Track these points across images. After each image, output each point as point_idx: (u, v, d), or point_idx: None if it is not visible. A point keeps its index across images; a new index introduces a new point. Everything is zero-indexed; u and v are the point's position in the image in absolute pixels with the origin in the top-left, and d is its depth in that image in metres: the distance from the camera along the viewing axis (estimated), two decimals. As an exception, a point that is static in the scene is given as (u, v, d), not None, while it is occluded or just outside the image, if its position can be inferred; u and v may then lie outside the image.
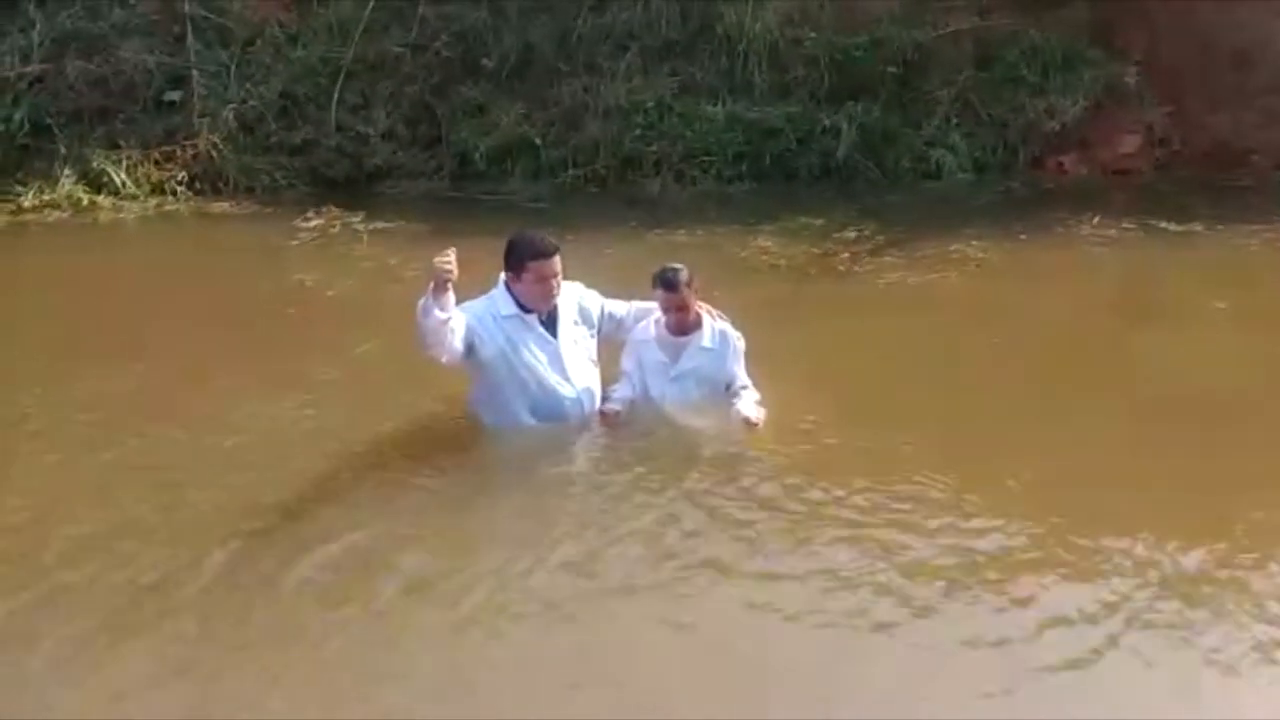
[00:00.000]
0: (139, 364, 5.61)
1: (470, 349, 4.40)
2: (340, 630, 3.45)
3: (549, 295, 4.47)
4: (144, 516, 4.09)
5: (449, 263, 4.09)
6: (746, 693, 3.18)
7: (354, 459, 4.50)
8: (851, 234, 7.97)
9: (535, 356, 4.51)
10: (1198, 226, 8.05)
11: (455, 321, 4.28)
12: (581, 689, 3.20)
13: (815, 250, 7.66)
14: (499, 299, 4.52)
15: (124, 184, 9.21)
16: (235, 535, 3.93)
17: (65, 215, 8.93)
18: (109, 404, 5.12)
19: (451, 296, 4.19)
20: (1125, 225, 8.15)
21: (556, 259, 4.43)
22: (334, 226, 8.48)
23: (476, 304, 4.49)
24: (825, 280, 7.13)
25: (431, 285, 4.13)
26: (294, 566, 3.76)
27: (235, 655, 3.34)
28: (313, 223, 8.52)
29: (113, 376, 5.42)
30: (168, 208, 9.17)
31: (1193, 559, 3.75)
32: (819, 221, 8.26)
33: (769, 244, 7.79)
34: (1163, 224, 8.12)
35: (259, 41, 10.07)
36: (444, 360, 4.35)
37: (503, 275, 4.53)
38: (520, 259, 4.44)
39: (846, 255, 7.56)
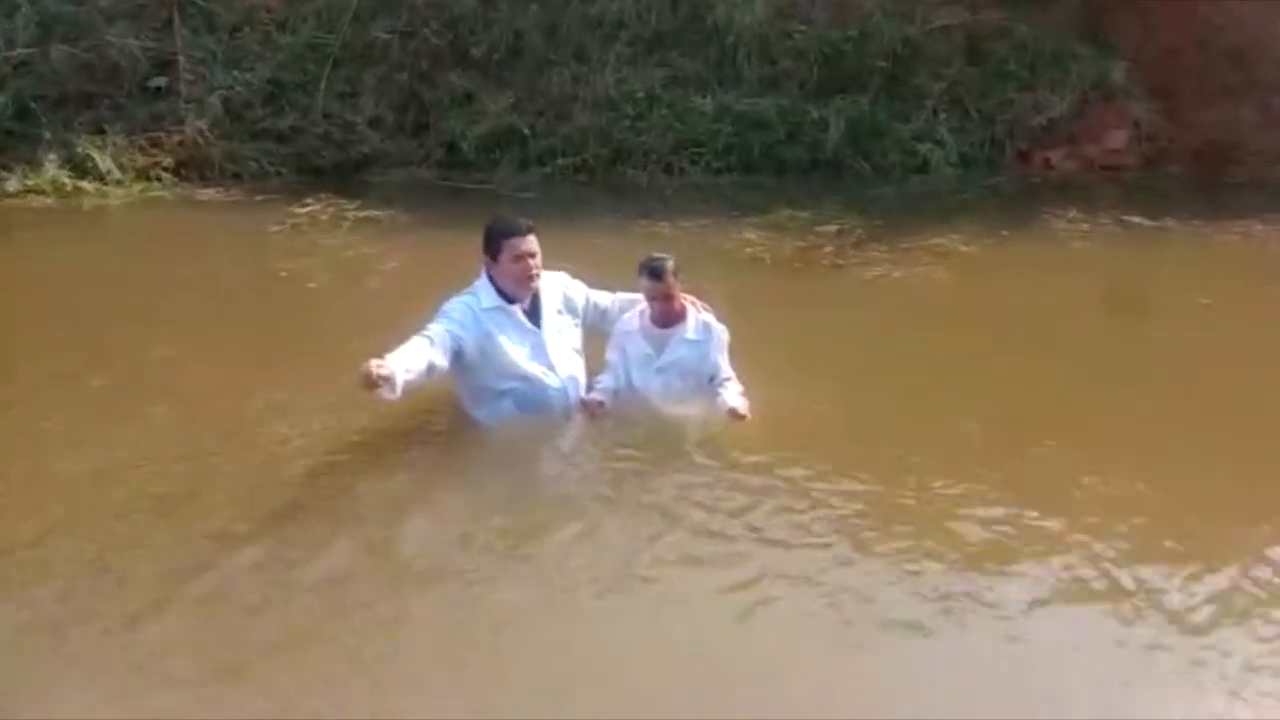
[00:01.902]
0: (123, 353, 5.59)
1: (457, 355, 4.40)
2: (347, 633, 3.45)
3: (527, 275, 4.46)
4: (140, 514, 4.06)
5: (376, 382, 3.97)
6: (740, 691, 3.18)
7: (341, 457, 4.46)
8: (837, 227, 7.98)
9: (519, 347, 4.50)
10: (1183, 223, 8.11)
11: (437, 349, 4.26)
12: (578, 688, 3.20)
13: (800, 243, 7.66)
14: (481, 291, 4.51)
15: (109, 170, 9.15)
16: (232, 537, 3.90)
17: (50, 201, 8.86)
18: (93, 394, 5.10)
19: (398, 376, 4.04)
20: (1110, 221, 8.19)
21: (531, 237, 4.44)
22: (324, 214, 8.45)
23: (457, 304, 4.47)
24: (809, 273, 7.14)
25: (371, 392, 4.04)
26: (287, 568, 3.75)
27: (244, 657, 3.33)
28: (305, 209, 8.49)
29: (97, 365, 5.39)
30: (153, 194, 9.11)
31: (1195, 552, 3.79)
32: (805, 214, 8.26)
33: (754, 236, 7.79)
34: (1148, 220, 8.17)
35: (246, 28, 10.01)
36: (434, 378, 4.36)
37: (484, 268, 4.53)
38: (496, 239, 4.46)
39: (831, 249, 7.57)
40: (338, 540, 3.89)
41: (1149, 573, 3.67)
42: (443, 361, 4.31)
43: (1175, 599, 3.55)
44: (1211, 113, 9.74)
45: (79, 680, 3.23)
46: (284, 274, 7.03)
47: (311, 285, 6.84)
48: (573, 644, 3.40)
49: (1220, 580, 3.63)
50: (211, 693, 3.17)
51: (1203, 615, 3.47)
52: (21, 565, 3.77)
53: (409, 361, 4.13)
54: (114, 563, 3.77)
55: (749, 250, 7.53)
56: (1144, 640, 3.36)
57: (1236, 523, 4.00)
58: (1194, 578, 3.65)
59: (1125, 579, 3.64)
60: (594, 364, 4.77)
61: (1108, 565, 3.71)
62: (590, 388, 4.68)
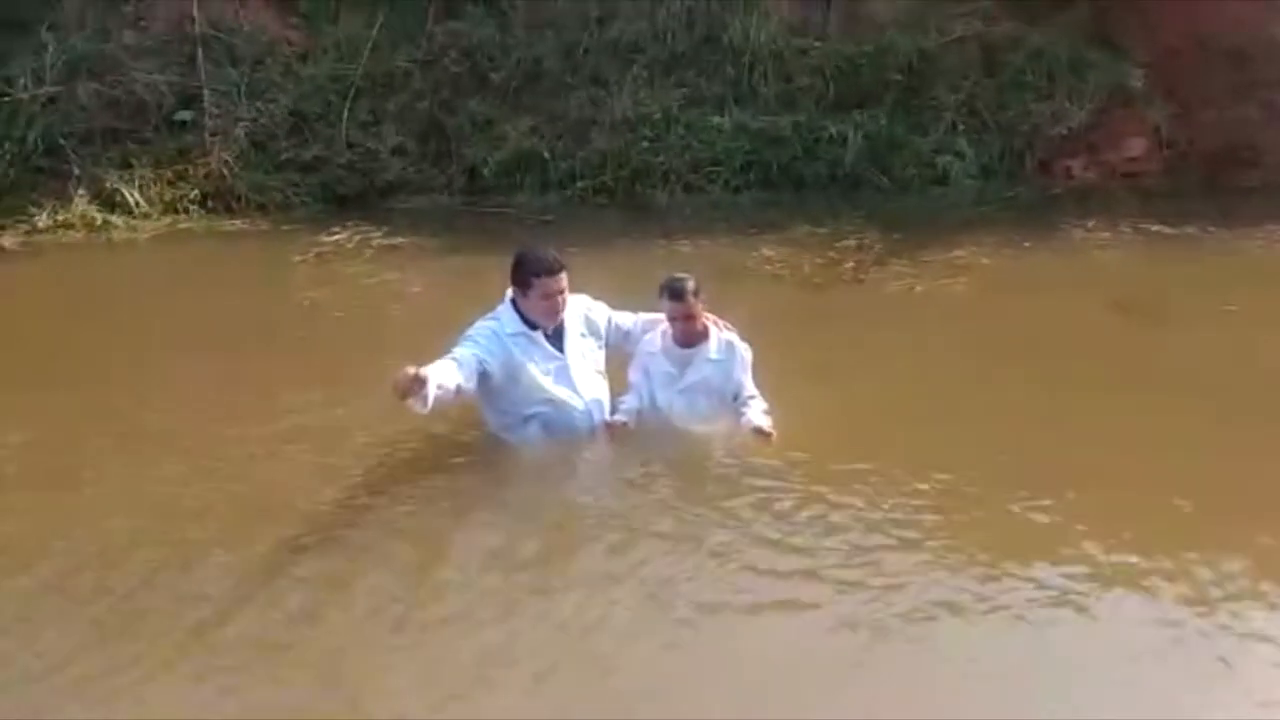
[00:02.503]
0: (153, 379, 5.67)
1: (483, 377, 4.44)
2: (354, 636, 3.50)
3: (555, 311, 4.52)
4: (151, 530, 4.12)
5: (405, 382, 4.03)
6: (754, 700, 3.20)
7: (370, 478, 4.52)
8: (857, 242, 8.00)
9: (544, 372, 4.54)
10: (1206, 229, 8.08)
11: (463, 371, 4.31)
12: (590, 695, 3.24)
13: (820, 259, 7.68)
14: (505, 317, 4.55)
15: (137, 203, 9.28)
16: (245, 552, 3.96)
17: (79, 235, 8.99)
18: (120, 420, 5.18)
19: (430, 388, 4.10)
20: (1132, 229, 8.18)
21: (563, 275, 4.48)
22: (349, 243, 8.55)
23: (481, 328, 4.52)
24: (830, 289, 7.16)
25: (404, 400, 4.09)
26: (315, 584, 3.80)
27: (250, 659, 3.38)
28: (331, 238, 8.58)
29: (124, 394, 5.48)
30: (181, 226, 9.22)
31: (1214, 555, 3.79)
32: (824, 230, 8.29)
33: (772, 253, 7.82)
34: (1170, 228, 8.15)
35: (269, 60, 10.14)
36: (459, 400, 4.41)
37: (509, 292, 4.58)
38: (526, 275, 4.48)
39: (851, 264, 7.59)
40: (369, 557, 3.94)
41: (1175, 576, 3.69)
42: (469, 384, 4.36)
43: (1201, 602, 3.56)
44: (1230, 117, 9.69)
45: (79, 679, 3.28)
46: (311, 302, 7.11)
47: (338, 314, 6.91)
48: (588, 654, 3.42)
49: (1252, 586, 3.63)
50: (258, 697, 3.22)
51: (1234, 619, 3.47)
52: (47, 575, 3.84)
53: (439, 378, 4.18)
54: (138, 577, 3.83)
55: (769, 268, 7.56)
56: (1170, 640, 3.38)
57: (1269, 528, 3.97)
58: (1220, 579, 3.66)
59: (1154, 582, 3.66)
60: (617, 386, 4.80)
61: (1140, 569, 3.73)
62: (614, 409, 4.72)
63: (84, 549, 4.02)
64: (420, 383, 4.02)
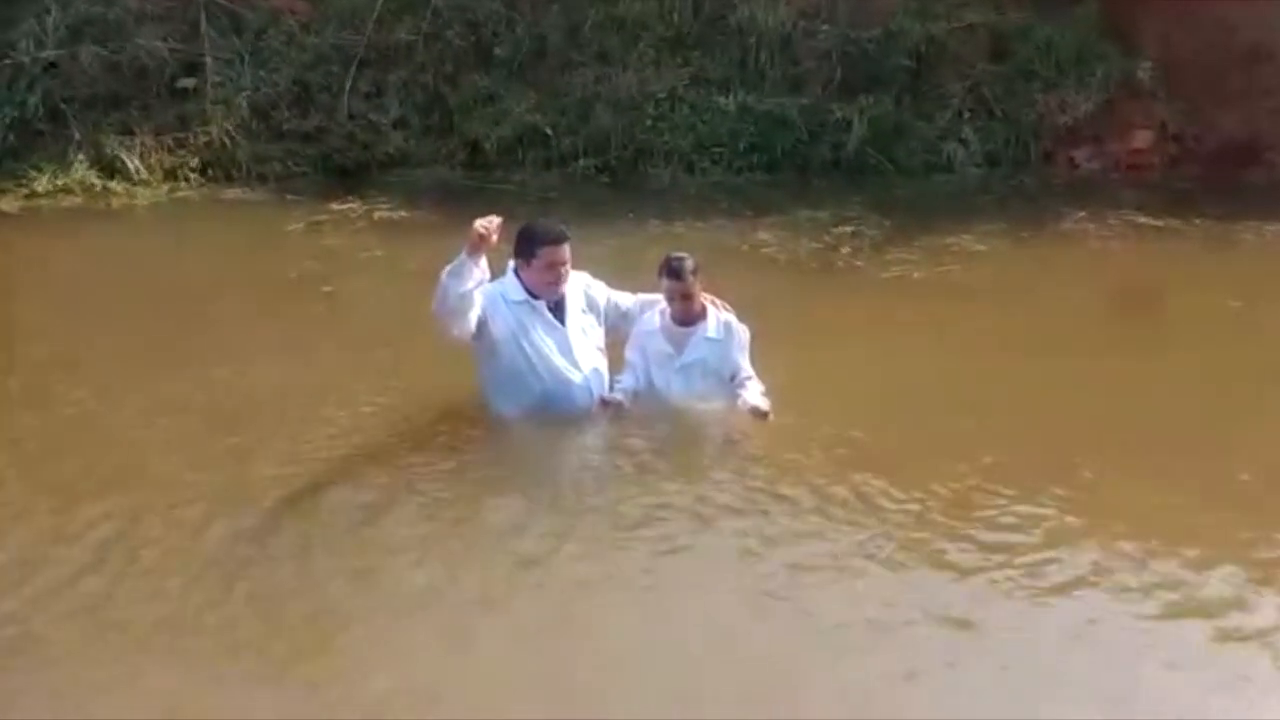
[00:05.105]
0: (150, 350, 5.66)
1: (481, 326, 4.44)
2: (355, 629, 3.48)
3: (557, 282, 4.53)
4: (151, 510, 4.11)
5: (491, 225, 4.20)
6: (749, 689, 3.19)
7: (364, 450, 4.53)
8: (854, 228, 7.95)
9: (544, 342, 4.56)
10: (1210, 223, 8.03)
11: (477, 292, 4.33)
12: (582, 685, 3.22)
13: (816, 244, 7.65)
14: (508, 285, 4.57)
15: (137, 170, 9.26)
16: (245, 534, 3.94)
17: (78, 200, 8.97)
18: (116, 391, 5.17)
19: (485, 262, 4.26)
20: (1136, 221, 8.14)
21: (566, 246, 4.50)
22: (349, 214, 8.52)
23: (487, 289, 4.52)
24: (824, 274, 7.13)
25: (468, 247, 4.22)
26: (298, 566, 3.79)
27: (250, 657, 3.35)
28: (330, 209, 8.56)
29: (123, 363, 5.47)
30: (180, 194, 9.21)
31: (1216, 548, 3.79)
32: (823, 214, 8.24)
33: (768, 236, 7.78)
34: (1174, 221, 8.10)
35: (272, 29, 10.11)
36: (455, 334, 4.40)
37: (511, 262, 4.58)
38: (531, 245, 4.50)
39: (848, 249, 7.55)
40: (366, 534, 3.94)
41: (1172, 572, 3.68)
42: (475, 316, 4.38)
43: (1198, 598, 3.56)
44: (1236, 112, 9.65)
45: (88, 682, 3.25)
46: (307, 274, 7.08)
47: (331, 287, 6.86)
48: (582, 641, 3.41)
49: (1247, 580, 3.63)
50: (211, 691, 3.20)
51: (1226, 614, 3.47)
52: (45, 559, 3.81)
53: (481, 279, 4.31)
54: (131, 556, 3.82)
55: (764, 250, 7.53)
56: (1165, 638, 3.38)
57: (1268, 522, 3.97)
58: (1217, 575, 3.65)
59: (1150, 577, 3.65)
60: (616, 366, 4.79)
61: (1137, 565, 3.71)
62: (611, 387, 4.71)
63: (66, 520, 4.01)
64: (498, 227, 4.18)
